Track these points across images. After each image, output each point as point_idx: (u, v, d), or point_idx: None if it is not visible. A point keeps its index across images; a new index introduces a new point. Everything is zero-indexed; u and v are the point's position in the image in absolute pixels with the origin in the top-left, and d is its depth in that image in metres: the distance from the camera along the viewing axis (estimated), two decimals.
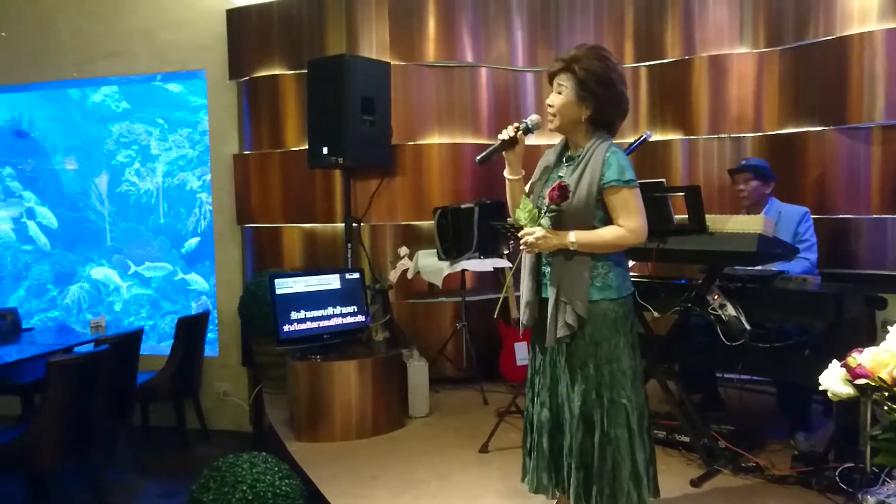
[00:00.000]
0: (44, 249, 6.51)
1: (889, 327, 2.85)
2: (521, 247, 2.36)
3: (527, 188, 2.49)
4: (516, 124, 2.40)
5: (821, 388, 1.63)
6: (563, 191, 2.27)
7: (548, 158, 2.49)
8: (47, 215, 6.51)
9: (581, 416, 2.33)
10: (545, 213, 2.32)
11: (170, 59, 5.38)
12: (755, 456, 3.21)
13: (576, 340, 2.33)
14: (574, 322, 2.29)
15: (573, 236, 2.30)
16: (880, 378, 1.44)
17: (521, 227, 2.36)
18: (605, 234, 2.32)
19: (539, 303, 2.43)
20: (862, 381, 1.48)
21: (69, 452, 3.72)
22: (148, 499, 4.13)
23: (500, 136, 2.39)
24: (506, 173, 2.46)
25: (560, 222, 2.32)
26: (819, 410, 3.77)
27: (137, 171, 6.53)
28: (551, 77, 2.41)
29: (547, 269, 2.40)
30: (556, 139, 2.55)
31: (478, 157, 2.43)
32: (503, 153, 2.43)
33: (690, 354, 3.55)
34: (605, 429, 2.32)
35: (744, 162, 3.95)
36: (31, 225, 6.50)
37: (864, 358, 1.49)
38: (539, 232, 2.30)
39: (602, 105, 2.36)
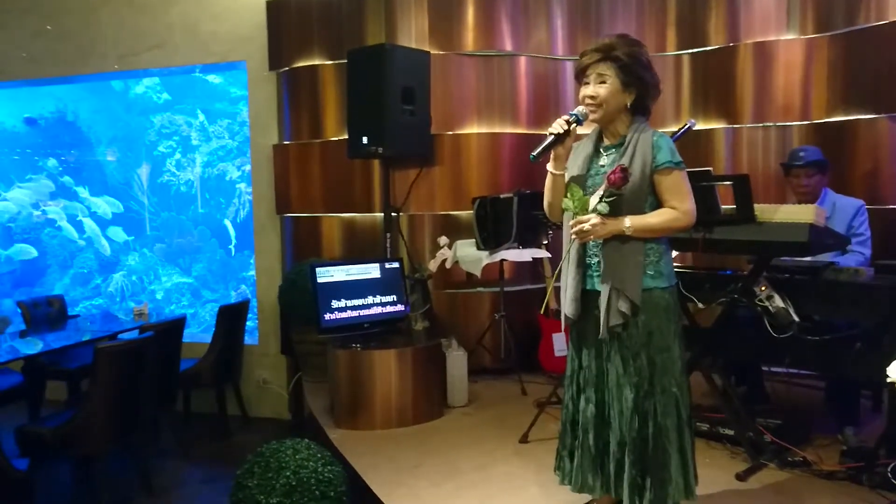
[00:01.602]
0: (102, 253, 6.63)
1: None
2: (573, 235, 2.30)
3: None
4: (566, 116, 2.33)
5: (888, 380, 1.58)
6: (625, 173, 2.23)
7: (584, 150, 2.44)
8: (101, 206, 6.61)
9: (635, 407, 2.29)
10: (603, 198, 2.26)
11: (211, 50, 5.43)
12: (802, 450, 3.14)
13: (629, 330, 2.30)
14: (628, 310, 2.27)
15: (628, 221, 2.26)
16: None
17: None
18: (659, 217, 2.30)
19: (583, 295, 2.39)
20: None
21: (115, 437, 3.78)
22: (190, 484, 4.19)
23: (552, 130, 2.31)
24: (550, 167, 2.39)
25: (617, 207, 2.27)
26: (867, 405, 3.69)
27: (178, 162, 6.62)
28: (583, 69, 2.35)
29: (593, 260, 2.37)
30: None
31: (532, 154, 2.32)
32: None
33: (736, 346, 3.48)
34: (658, 419, 2.29)
35: (802, 154, 3.79)
36: (90, 224, 6.59)
37: None
38: (594, 219, 2.25)
39: (645, 89, 2.37)
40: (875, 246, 3.70)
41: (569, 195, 2.31)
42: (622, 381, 2.31)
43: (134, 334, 4.33)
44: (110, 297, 6.68)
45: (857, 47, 4.30)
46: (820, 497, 2.84)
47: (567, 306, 2.40)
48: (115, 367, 3.66)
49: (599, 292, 2.34)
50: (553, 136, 2.30)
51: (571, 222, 2.30)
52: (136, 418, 3.91)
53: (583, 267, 2.39)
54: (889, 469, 2.78)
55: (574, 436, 2.46)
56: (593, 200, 2.28)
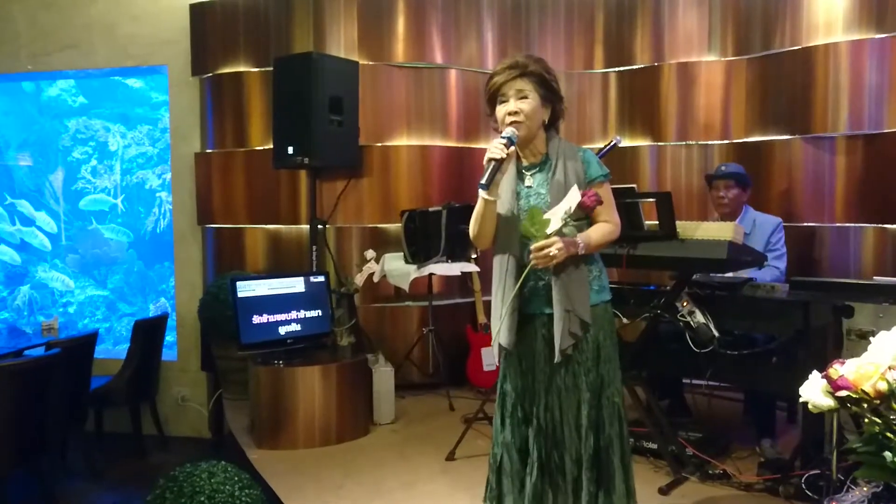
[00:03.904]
0: (43, 250, 6.27)
1: (855, 336, 2.88)
2: (535, 261, 2.18)
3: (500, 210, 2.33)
4: (501, 140, 2.23)
5: (801, 399, 1.60)
6: (598, 196, 2.19)
7: (508, 174, 2.35)
8: (47, 221, 6.26)
9: (589, 423, 2.27)
10: (569, 221, 2.18)
11: (130, 53, 5.22)
12: (722, 463, 3.21)
13: (580, 346, 2.27)
14: (579, 330, 2.23)
15: (581, 240, 2.22)
16: (863, 390, 1.42)
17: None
18: (599, 231, 2.28)
19: (523, 319, 2.31)
20: (843, 394, 1.46)
21: (19, 459, 3.59)
22: None
23: (492, 156, 2.20)
24: (484, 193, 2.27)
25: (580, 230, 2.25)
26: (783, 417, 3.81)
27: (94, 169, 6.33)
28: (499, 88, 2.29)
29: (537, 284, 2.28)
30: None
31: (481, 183, 2.23)
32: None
33: (659, 361, 3.53)
34: (607, 430, 2.29)
35: (723, 167, 3.92)
36: (42, 239, 6.24)
37: (847, 370, 1.46)
38: (559, 243, 2.16)
39: (559, 105, 2.37)
40: (790, 262, 3.84)
41: (529, 221, 2.19)
42: (575, 398, 2.28)
43: (41, 351, 4.11)
44: (18, 310, 6.31)
45: (772, 70, 4.47)
46: None
47: (503, 336, 2.31)
48: (18, 386, 3.47)
49: (541, 315, 2.29)
50: (495, 162, 2.21)
51: (534, 246, 2.17)
52: (42, 439, 3.72)
53: (523, 290, 2.30)
54: (803, 480, 2.85)
55: (524, 464, 2.35)
56: (554, 225, 2.18)
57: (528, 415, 2.35)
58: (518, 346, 2.33)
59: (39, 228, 6.29)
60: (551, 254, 2.16)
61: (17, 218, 6.30)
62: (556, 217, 2.19)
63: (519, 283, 2.26)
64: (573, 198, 2.20)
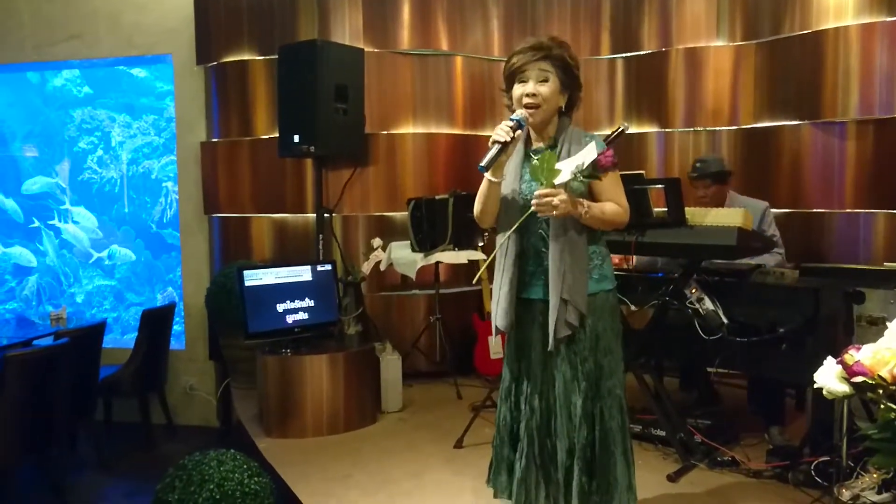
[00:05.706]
0: (84, 251, 6.28)
1: (866, 322, 2.86)
2: (536, 206, 2.13)
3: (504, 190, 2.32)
4: (508, 122, 2.21)
5: (815, 385, 1.58)
6: (615, 157, 2.17)
7: (515, 155, 2.34)
8: (86, 216, 6.25)
9: (584, 413, 2.24)
10: (578, 177, 2.13)
11: (135, 42, 5.21)
12: (731, 450, 3.20)
13: (577, 335, 2.24)
14: (576, 321, 2.20)
15: (586, 204, 2.17)
16: (880, 376, 1.39)
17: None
18: (609, 208, 2.24)
19: (522, 303, 2.31)
20: (859, 379, 1.44)
21: (27, 450, 3.60)
22: (111, 498, 3.99)
23: (496, 138, 2.19)
24: (488, 174, 2.25)
25: (582, 193, 2.23)
26: (792, 404, 3.79)
27: (100, 159, 6.32)
28: (520, 67, 2.26)
29: (535, 269, 2.28)
30: None
31: (481, 165, 2.21)
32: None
33: (668, 348, 3.52)
34: (605, 422, 2.26)
35: (699, 165, 3.84)
36: (71, 228, 6.22)
37: (864, 355, 1.44)
38: (563, 195, 2.11)
39: (577, 93, 2.34)
40: (798, 248, 3.81)
41: (539, 165, 2.12)
42: (570, 387, 2.25)
43: (49, 341, 4.12)
44: (26, 300, 6.33)
45: (781, 55, 4.43)
46: (748, 496, 2.89)
47: (500, 318, 2.30)
48: (26, 376, 3.48)
49: (539, 300, 2.27)
50: (499, 144, 2.19)
51: (539, 192, 2.13)
52: (50, 430, 3.72)
53: (519, 274, 2.30)
54: (812, 467, 2.84)
55: (515, 447, 2.37)
56: (563, 176, 2.13)
57: (525, 400, 2.35)
58: (515, 332, 2.33)
59: (76, 223, 6.30)
60: (553, 203, 2.11)
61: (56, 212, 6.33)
62: (566, 169, 2.13)
63: (516, 225, 2.22)
64: (589, 153, 2.14)
